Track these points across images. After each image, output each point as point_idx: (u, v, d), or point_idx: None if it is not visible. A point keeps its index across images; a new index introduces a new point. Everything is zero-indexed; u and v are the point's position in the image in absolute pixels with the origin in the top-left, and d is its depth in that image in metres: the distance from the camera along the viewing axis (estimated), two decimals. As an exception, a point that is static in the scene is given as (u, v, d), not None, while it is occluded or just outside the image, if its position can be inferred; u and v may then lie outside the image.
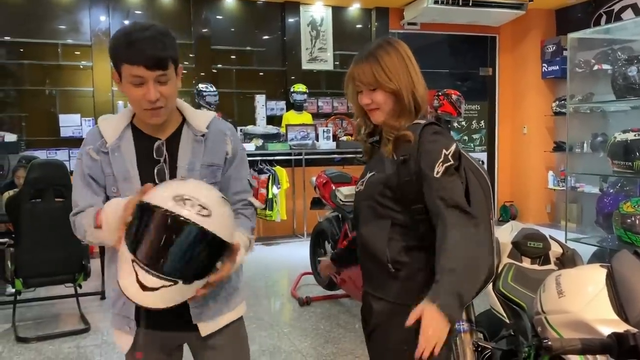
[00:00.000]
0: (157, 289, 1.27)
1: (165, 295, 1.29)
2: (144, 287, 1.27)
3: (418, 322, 1.33)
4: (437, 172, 1.45)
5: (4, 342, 3.77)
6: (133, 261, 1.27)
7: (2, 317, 4.22)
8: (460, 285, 1.34)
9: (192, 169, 1.52)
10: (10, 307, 4.11)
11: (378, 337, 1.59)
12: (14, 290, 4.04)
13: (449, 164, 1.46)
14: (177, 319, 1.52)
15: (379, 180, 1.55)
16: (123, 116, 1.58)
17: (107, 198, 1.53)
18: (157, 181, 1.49)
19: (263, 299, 4.69)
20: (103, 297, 4.69)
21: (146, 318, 1.51)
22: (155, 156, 1.51)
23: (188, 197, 1.27)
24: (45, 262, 3.92)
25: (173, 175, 1.50)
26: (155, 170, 1.51)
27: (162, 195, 1.29)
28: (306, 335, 3.82)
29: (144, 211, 1.28)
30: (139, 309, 1.49)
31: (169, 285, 1.27)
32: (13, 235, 4.05)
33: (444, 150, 1.46)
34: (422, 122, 1.53)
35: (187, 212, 1.25)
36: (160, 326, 1.54)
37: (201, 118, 1.59)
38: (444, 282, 1.34)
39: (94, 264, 4.41)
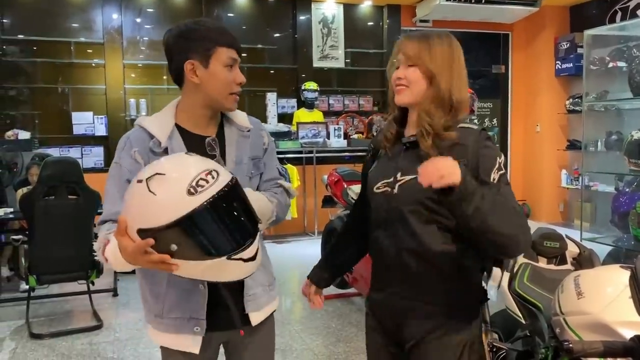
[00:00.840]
0: (257, 249, 1.34)
1: (259, 250, 1.36)
2: (252, 259, 1.32)
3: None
4: (494, 179, 1.44)
5: (18, 338, 3.80)
6: (229, 258, 1.27)
7: (16, 313, 4.26)
8: (489, 201, 1.31)
9: (239, 162, 1.58)
10: (24, 303, 4.15)
11: (435, 343, 1.51)
12: (27, 286, 4.07)
13: (502, 172, 1.46)
14: (231, 314, 1.53)
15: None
16: (167, 115, 1.56)
17: None
18: None
19: (274, 297, 4.68)
20: (115, 294, 4.72)
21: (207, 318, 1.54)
22: (208, 152, 1.51)
23: (194, 182, 1.23)
24: (58, 259, 3.95)
25: None
26: None
27: (177, 205, 1.21)
28: (318, 334, 3.82)
29: (193, 223, 1.22)
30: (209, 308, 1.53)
31: (256, 240, 1.34)
32: (27, 232, 4.09)
33: (498, 158, 1.46)
34: (475, 127, 1.50)
35: (213, 189, 1.24)
36: (211, 327, 1.54)
37: (241, 115, 1.65)
38: (485, 193, 1.32)
39: (107, 261, 4.42)
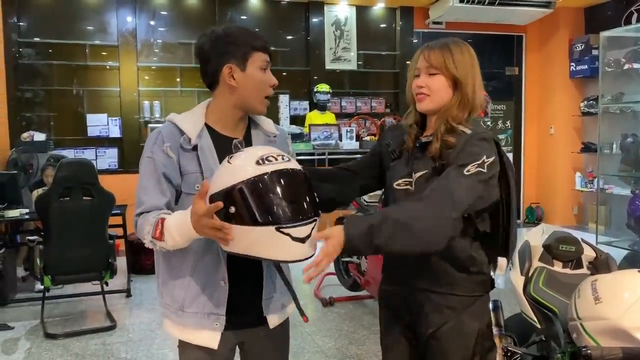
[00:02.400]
0: (309, 235, 1.36)
1: (313, 236, 1.38)
2: (302, 240, 1.34)
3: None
4: (468, 171, 1.45)
5: (33, 338, 3.84)
6: (278, 229, 1.31)
7: (31, 313, 4.30)
8: (385, 235, 1.35)
9: None
10: (39, 303, 4.20)
11: (452, 331, 1.58)
12: (42, 287, 4.12)
13: (482, 170, 1.46)
14: (249, 314, 1.58)
15: (432, 179, 1.53)
16: (198, 115, 1.60)
17: (179, 197, 1.55)
18: None
19: (286, 298, 4.68)
20: (129, 295, 4.75)
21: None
22: (234, 153, 1.55)
23: (264, 156, 1.36)
24: (73, 259, 3.98)
25: None
26: None
27: (245, 169, 1.33)
28: (330, 336, 3.81)
29: (252, 186, 1.31)
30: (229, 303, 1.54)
31: (314, 224, 1.37)
32: (42, 233, 4.13)
33: (485, 157, 1.47)
34: (468, 132, 1.54)
35: (283, 164, 1.36)
36: (229, 325, 1.57)
37: (268, 121, 1.70)
38: (373, 220, 1.36)
39: (120, 262, 4.46)
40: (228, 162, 1.38)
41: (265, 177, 1.32)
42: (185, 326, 1.57)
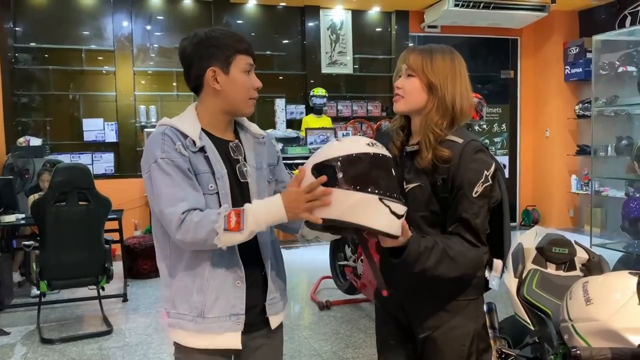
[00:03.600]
0: (402, 215, 1.42)
1: (402, 222, 1.44)
2: (398, 216, 1.40)
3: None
4: (476, 192, 1.50)
5: (29, 343, 3.83)
6: (381, 199, 1.37)
7: (27, 318, 4.30)
8: (434, 260, 1.48)
9: (260, 167, 1.64)
10: (35, 308, 4.19)
11: (448, 333, 1.60)
12: (38, 292, 4.12)
13: (488, 184, 1.51)
14: (252, 315, 1.59)
15: (427, 191, 1.56)
16: (192, 118, 1.59)
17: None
18: (240, 179, 1.59)
19: (283, 302, 4.68)
20: (125, 300, 4.75)
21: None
22: (233, 155, 1.60)
23: (372, 142, 1.43)
24: (69, 264, 3.98)
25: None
26: (237, 168, 1.60)
27: (360, 145, 1.40)
28: (326, 340, 3.82)
29: (368, 158, 1.39)
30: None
31: (405, 210, 1.43)
32: (38, 238, 4.13)
33: (485, 172, 1.52)
34: (460, 141, 1.54)
35: (384, 150, 1.44)
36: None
37: (253, 125, 1.72)
38: (427, 243, 1.48)
39: (117, 266, 4.46)
40: (337, 141, 1.44)
41: (380, 155, 1.40)
42: (206, 332, 1.54)
